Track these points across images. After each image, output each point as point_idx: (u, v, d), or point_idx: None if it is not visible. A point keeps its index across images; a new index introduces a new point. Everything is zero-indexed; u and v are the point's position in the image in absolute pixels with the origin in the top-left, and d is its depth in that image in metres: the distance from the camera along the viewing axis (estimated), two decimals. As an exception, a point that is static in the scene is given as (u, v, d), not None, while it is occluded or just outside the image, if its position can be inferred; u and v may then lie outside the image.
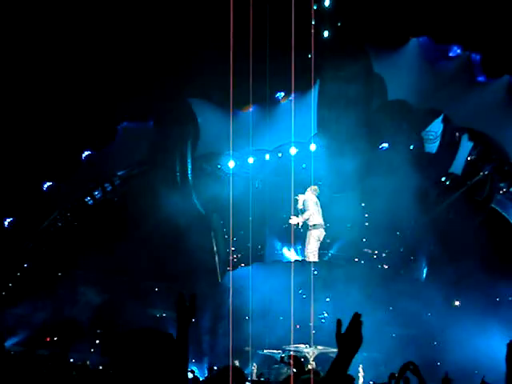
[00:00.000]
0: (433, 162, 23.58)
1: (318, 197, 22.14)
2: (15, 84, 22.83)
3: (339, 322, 2.81)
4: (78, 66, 22.75)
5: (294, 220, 21.58)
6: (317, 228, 22.18)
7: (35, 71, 22.64)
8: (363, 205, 24.28)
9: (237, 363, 20.62)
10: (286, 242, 24.94)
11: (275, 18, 16.83)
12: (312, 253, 22.35)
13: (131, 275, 24.88)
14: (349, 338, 2.79)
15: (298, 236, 23.34)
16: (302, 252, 23.31)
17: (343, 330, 2.81)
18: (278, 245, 25.84)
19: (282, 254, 25.71)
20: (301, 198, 21.92)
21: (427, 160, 23.48)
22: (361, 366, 20.84)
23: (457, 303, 23.00)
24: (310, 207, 21.75)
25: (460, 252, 21.76)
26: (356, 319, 2.81)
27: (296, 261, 23.39)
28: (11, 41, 21.95)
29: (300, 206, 21.85)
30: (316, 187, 22.21)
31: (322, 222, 22.12)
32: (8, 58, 22.11)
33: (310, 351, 20.54)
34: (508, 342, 2.69)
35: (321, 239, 22.45)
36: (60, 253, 25.35)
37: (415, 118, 23.13)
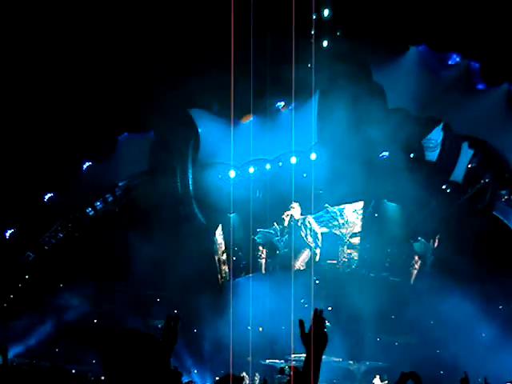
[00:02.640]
0: (434, 170, 23.58)
1: None
2: (16, 95, 22.86)
3: (301, 322, 2.82)
4: (78, 77, 22.79)
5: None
6: None
7: (36, 83, 22.67)
8: (363, 212, 24.28)
9: (244, 374, 20.58)
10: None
11: (275, 28, 16.88)
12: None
13: (133, 286, 24.85)
14: (313, 337, 2.80)
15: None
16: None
17: (309, 330, 2.82)
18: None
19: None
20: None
21: (428, 168, 23.48)
22: (378, 376, 20.87)
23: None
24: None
25: (462, 260, 21.72)
26: (318, 318, 2.81)
27: (297, 270, 23.45)
28: (11, 50, 21.99)
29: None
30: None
31: None
32: (6, 68, 22.12)
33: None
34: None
35: None
36: (61, 264, 25.30)
37: (415, 126, 23.11)
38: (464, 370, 6.52)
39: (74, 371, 17.85)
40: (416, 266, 24.78)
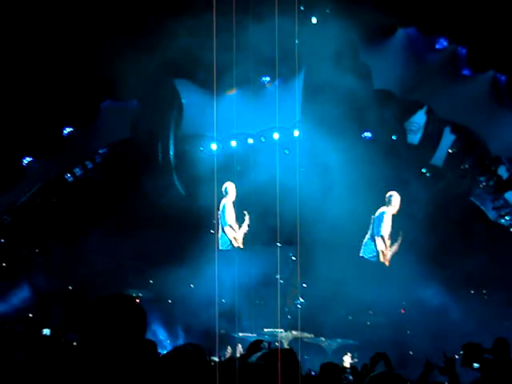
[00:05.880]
0: (414, 152, 23.69)
1: None
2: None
3: None
4: (62, 41, 22.41)
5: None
6: None
7: (19, 47, 22.27)
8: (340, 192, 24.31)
9: (239, 345, 20.62)
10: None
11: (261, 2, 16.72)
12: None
13: (111, 255, 24.74)
14: None
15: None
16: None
17: None
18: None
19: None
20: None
21: (409, 151, 23.58)
22: (349, 353, 21.09)
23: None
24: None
25: (436, 243, 21.96)
26: None
27: (278, 246, 23.50)
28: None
29: None
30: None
31: None
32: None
33: (284, 336, 20.69)
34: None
35: None
36: (37, 229, 25.13)
37: (399, 108, 23.18)
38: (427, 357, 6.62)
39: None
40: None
